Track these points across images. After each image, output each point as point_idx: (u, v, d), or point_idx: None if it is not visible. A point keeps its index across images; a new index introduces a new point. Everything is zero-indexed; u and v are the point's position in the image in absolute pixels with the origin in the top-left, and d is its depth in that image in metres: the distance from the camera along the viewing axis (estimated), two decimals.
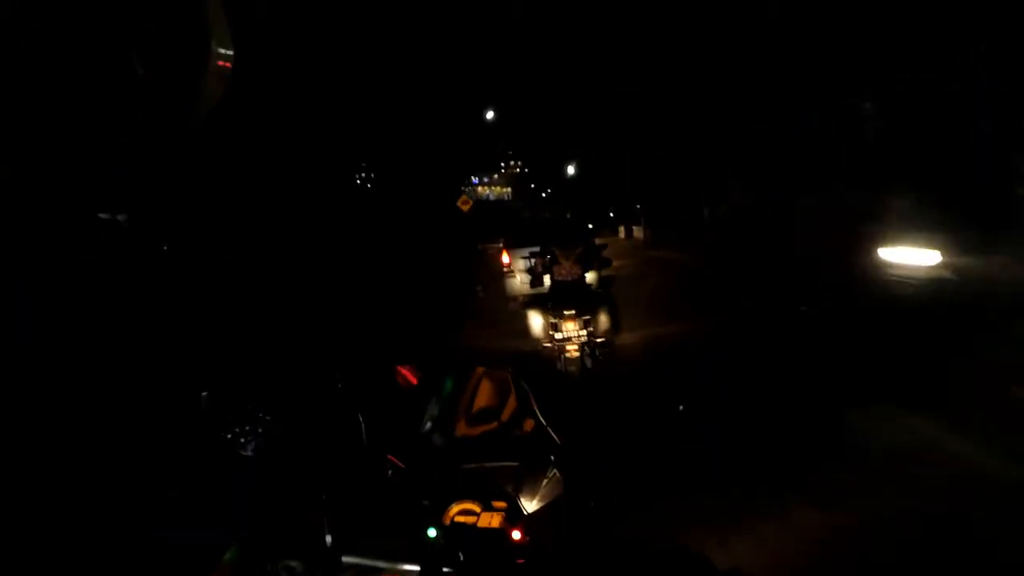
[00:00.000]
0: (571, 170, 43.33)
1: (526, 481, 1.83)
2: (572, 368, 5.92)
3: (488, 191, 64.85)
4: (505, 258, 14.74)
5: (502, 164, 66.68)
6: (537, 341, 6.62)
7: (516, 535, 1.71)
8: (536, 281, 7.12)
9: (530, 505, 1.80)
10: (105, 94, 1.01)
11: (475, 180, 62.27)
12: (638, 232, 28.62)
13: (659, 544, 2.70)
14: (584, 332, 5.93)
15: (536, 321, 7.00)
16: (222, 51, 1.09)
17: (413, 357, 2.45)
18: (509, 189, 65.76)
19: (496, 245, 19.48)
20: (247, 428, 2.52)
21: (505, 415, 2.01)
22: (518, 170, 67.14)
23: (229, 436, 2.49)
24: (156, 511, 2.61)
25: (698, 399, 5.14)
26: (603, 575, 1.94)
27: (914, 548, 3.01)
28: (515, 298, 11.04)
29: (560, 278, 6.52)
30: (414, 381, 2.25)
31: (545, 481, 1.85)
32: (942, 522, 3.14)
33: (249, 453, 2.52)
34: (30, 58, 0.95)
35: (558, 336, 5.98)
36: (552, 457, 1.93)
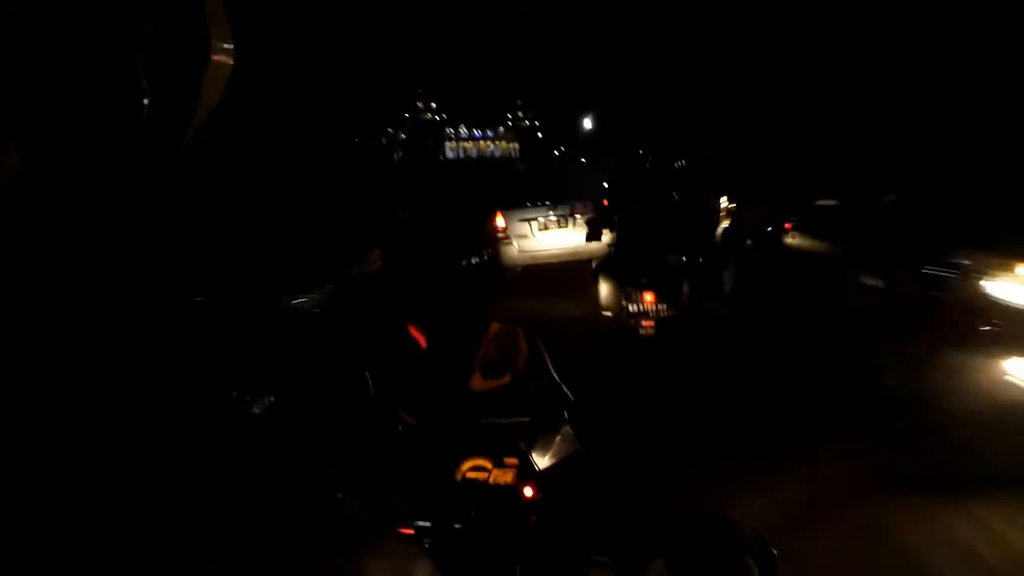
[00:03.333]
0: (587, 124, 41.74)
1: (538, 437, 1.83)
2: (647, 346, 5.39)
3: (492, 146, 63.09)
4: (500, 222, 13.34)
5: (509, 117, 64.57)
6: (592, 307, 5.87)
7: (528, 492, 1.71)
8: (593, 235, 6.28)
9: (542, 461, 1.79)
10: (105, 94, 1.05)
11: (478, 134, 60.62)
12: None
13: (681, 508, 2.84)
14: (664, 306, 5.34)
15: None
16: (222, 46, 1.10)
17: (424, 316, 2.42)
18: (516, 145, 63.92)
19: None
20: (254, 386, 2.63)
21: (518, 371, 2.00)
22: (526, 123, 65.06)
23: (235, 393, 2.63)
24: (156, 510, 2.76)
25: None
26: (617, 535, 1.97)
27: None
28: (513, 268, 10.06)
29: (635, 239, 5.76)
30: (424, 344, 2.29)
31: (558, 437, 1.85)
32: None
33: (256, 411, 2.63)
34: (30, 58, 1.01)
35: (632, 308, 5.38)
36: (565, 413, 1.92)
